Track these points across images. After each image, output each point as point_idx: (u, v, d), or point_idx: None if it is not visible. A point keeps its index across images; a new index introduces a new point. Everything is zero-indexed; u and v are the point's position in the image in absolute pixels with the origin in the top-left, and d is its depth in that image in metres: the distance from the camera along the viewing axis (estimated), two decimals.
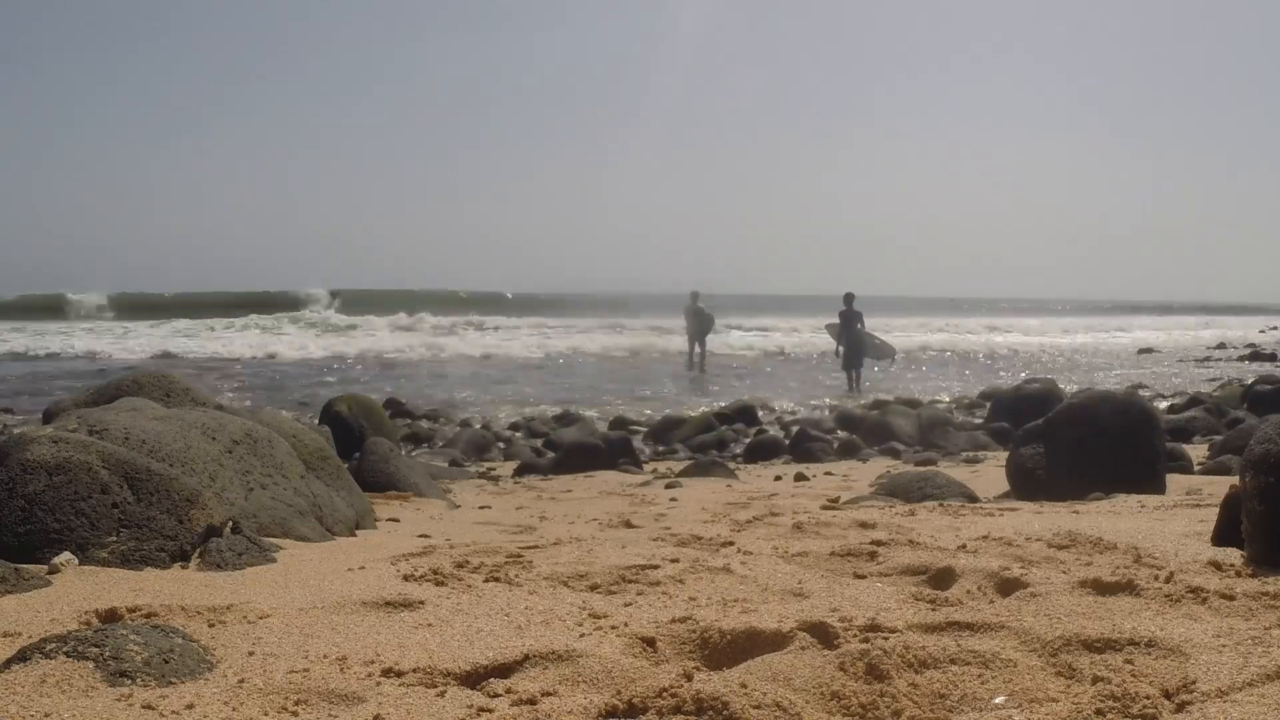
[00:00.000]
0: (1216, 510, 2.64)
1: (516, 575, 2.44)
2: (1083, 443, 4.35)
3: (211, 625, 1.93)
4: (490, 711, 1.51)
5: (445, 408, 11.84)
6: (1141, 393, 11.89)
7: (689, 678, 1.56)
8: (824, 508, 4.08)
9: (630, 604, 2.17)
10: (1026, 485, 4.43)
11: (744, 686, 1.49)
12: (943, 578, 2.36)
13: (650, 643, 1.86)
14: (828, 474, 6.49)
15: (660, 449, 8.95)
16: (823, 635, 1.82)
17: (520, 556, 2.78)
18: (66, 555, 2.36)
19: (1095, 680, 1.55)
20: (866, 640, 1.76)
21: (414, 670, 1.67)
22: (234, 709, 1.48)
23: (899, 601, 2.14)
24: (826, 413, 11.22)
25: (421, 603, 2.14)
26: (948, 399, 13.15)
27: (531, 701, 1.54)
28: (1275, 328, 37.79)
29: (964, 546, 2.71)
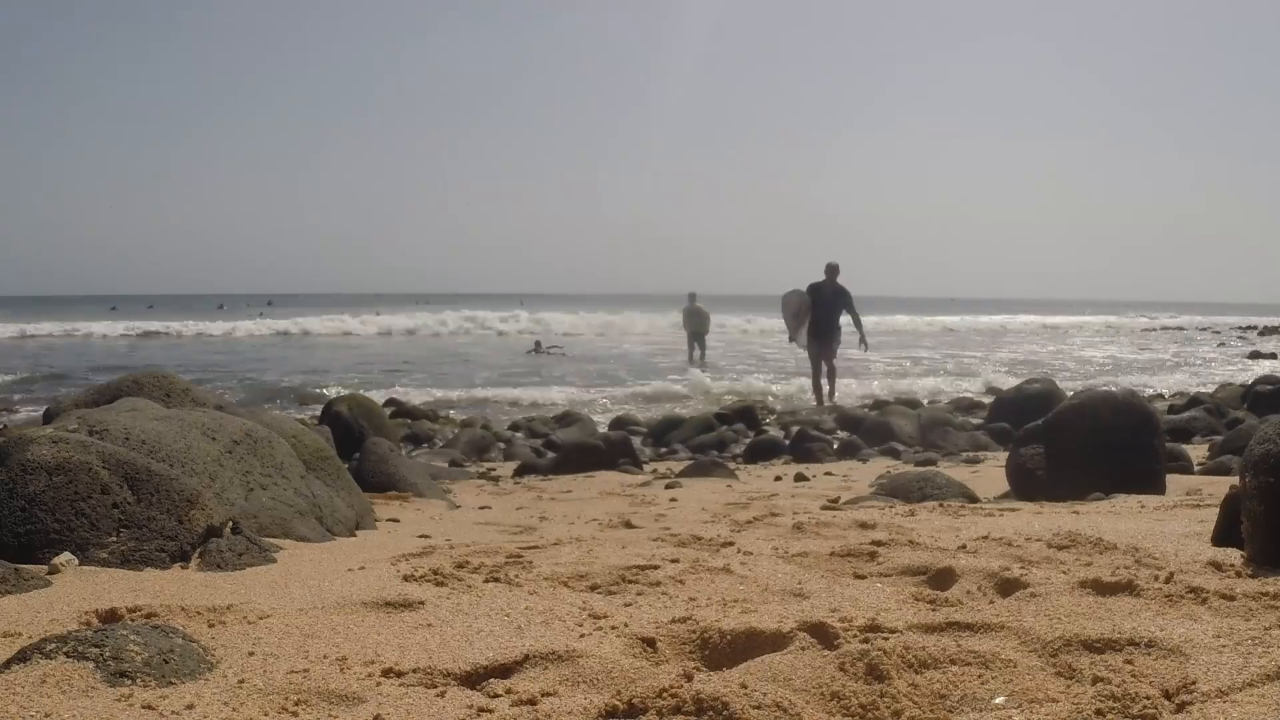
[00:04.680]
0: (1216, 510, 2.63)
1: (516, 575, 2.44)
2: (1083, 443, 4.34)
3: (211, 625, 1.93)
4: (490, 712, 1.51)
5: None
6: (1141, 393, 11.88)
7: (689, 678, 1.56)
8: (824, 508, 4.08)
9: (630, 604, 2.17)
10: (1026, 485, 4.43)
11: (744, 687, 1.49)
12: (943, 578, 2.36)
13: (650, 643, 1.86)
14: (828, 474, 6.48)
15: (661, 449, 8.95)
16: (823, 635, 1.82)
17: (520, 557, 2.78)
18: (66, 555, 2.36)
19: (1095, 680, 1.55)
20: (866, 640, 1.76)
21: (414, 670, 1.67)
22: (234, 709, 1.48)
23: (899, 602, 2.14)
24: (826, 414, 11.21)
25: (421, 603, 2.14)
26: (947, 399, 13.15)
27: (531, 702, 1.54)
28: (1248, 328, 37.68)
29: (964, 547, 2.71)
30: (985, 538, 2.82)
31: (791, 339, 13.19)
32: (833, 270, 12.73)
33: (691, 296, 19.55)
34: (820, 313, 12.60)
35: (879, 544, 2.78)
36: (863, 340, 12.94)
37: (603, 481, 6.07)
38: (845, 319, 12.97)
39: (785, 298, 13.09)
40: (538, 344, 25.49)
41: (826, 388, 12.94)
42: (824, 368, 12.86)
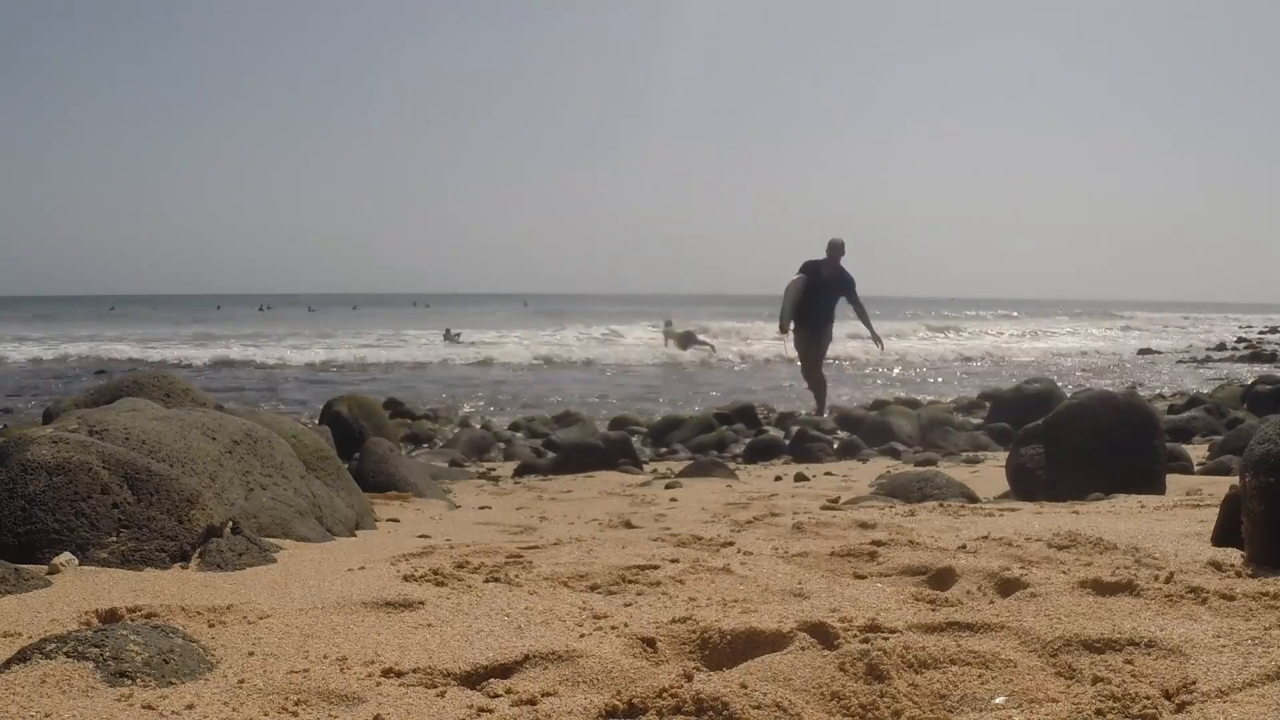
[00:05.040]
0: (1216, 510, 2.64)
1: (516, 575, 2.44)
2: (1083, 443, 4.34)
3: (211, 625, 1.93)
4: (490, 712, 1.51)
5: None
6: (1141, 393, 11.89)
7: (689, 678, 1.56)
8: (824, 508, 4.08)
9: (630, 604, 2.17)
10: (1026, 485, 4.43)
11: (744, 687, 1.49)
12: (943, 578, 2.36)
13: (650, 643, 1.86)
14: (828, 474, 6.48)
15: (661, 449, 8.95)
16: (823, 635, 1.82)
17: (520, 557, 2.79)
18: (66, 555, 2.36)
19: (1095, 680, 1.55)
20: (866, 640, 1.76)
21: (414, 670, 1.67)
22: (234, 709, 1.48)
23: (899, 602, 2.14)
24: (827, 414, 11.20)
25: (421, 603, 2.14)
26: (949, 399, 13.14)
27: (531, 702, 1.54)
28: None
29: (964, 547, 2.71)
30: (985, 538, 2.82)
31: (783, 330, 10.81)
32: (836, 249, 10.34)
33: (667, 323, 19.90)
34: (812, 299, 10.34)
35: (879, 544, 2.78)
36: (877, 339, 11.00)
37: (603, 481, 6.07)
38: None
39: (789, 287, 10.66)
40: (447, 331, 28.91)
41: (815, 400, 10.85)
42: (811, 370, 10.78)
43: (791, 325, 10.58)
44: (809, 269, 10.46)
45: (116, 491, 2.56)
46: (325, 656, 1.74)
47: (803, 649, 1.74)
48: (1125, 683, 1.49)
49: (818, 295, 10.40)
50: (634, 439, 8.51)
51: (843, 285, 10.49)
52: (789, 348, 11.03)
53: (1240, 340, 31.02)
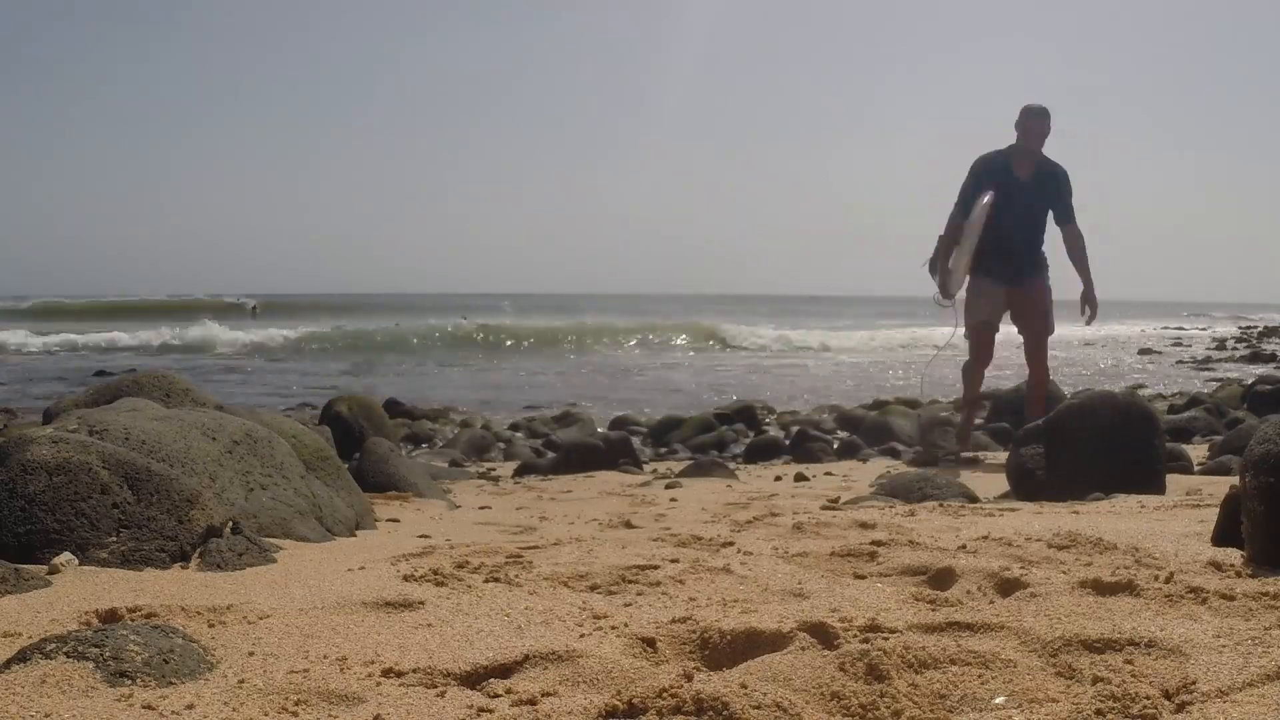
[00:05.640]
0: (1216, 510, 2.63)
1: (516, 575, 2.44)
2: (1083, 443, 4.34)
3: (211, 625, 1.93)
4: (490, 712, 1.51)
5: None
6: (1141, 393, 11.89)
7: (689, 678, 1.56)
8: (824, 508, 4.08)
9: (630, 604, 2.17)
10: (1026, 485, 4.43)
11: (744, 687, 1.49)
12: (943, 578, 2.36)
13: (650, 643, 1.86)
14: (828, 474, 6.48)
15: (661, 449, 8.95)
16: (823, 636, 1.82)
17: (520, 557, 2.79)
18: (66, 555, 2.36)
19: (1095, 680, 1.55)
20: (866, 640, 1.76)
21: (414, 670, 1.67)
22: (234, 709, 1.48)
23: (899, 602, 2.14)
24: (827, 414, 11.21)
25: (421, 603, 2.14)
26: (947, 399, 13.13)
27: (531, 702, 1.54)
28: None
29: (964, 547, 2.71)
30: (985, 538, 2.82)
31: (949, 293, 6.14)
32: (1037, 118, 5.81)
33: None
34: (1008, 219, 5.82)
35: (879, 544, 2.78)
36: (1089, 299, 6.12)
37: (603, 481, 6.07)
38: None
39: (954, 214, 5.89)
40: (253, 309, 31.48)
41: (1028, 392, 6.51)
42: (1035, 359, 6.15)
43: (966, 278, 6.07)
44: (993, 167, 5.90)
45: (116, 491, 2.56)
46: (325, 656, 1.74)
47: (803, 649, 1.74)
48: (1125, 683, 1.49)
49: (1013, 211, 5.87)
50: (634, 439, 8.51)
51: (1051, 189, 5.91)
52: (960, 317, 6.28)
53: (1240, 340, 30.98)
